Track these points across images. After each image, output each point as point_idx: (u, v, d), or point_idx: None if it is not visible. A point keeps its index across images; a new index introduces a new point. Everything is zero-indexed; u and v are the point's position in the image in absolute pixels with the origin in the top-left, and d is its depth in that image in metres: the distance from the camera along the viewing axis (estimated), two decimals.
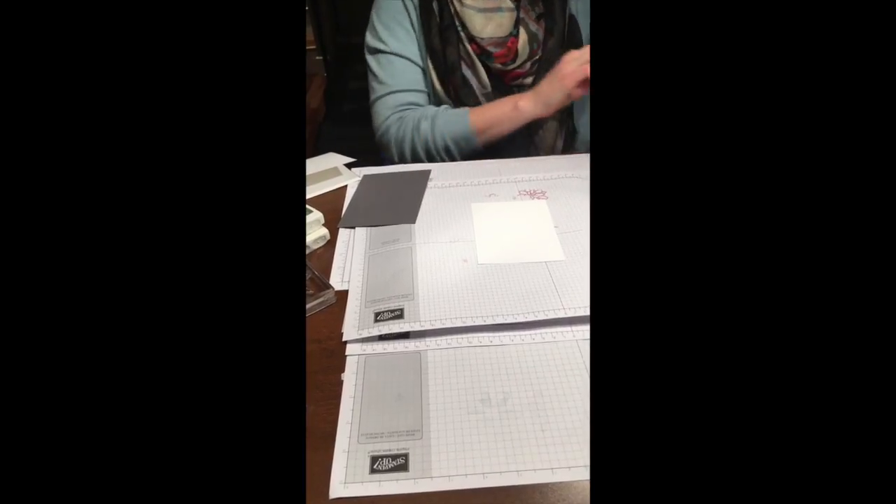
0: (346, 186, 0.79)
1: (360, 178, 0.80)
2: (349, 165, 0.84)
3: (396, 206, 0.72)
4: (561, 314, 0.53)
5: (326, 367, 0.51)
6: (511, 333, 0.53)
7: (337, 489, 0.41)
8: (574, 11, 0.88)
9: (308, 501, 0.40)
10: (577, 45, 0.89)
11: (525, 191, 0.74)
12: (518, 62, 0.87)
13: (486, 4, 0.84)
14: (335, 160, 0.86)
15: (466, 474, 0.41)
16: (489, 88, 0.89)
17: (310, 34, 1.44)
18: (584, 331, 0.52)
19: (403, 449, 0.43)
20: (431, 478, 0.41)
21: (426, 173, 0.80)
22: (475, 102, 0.88)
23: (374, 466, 0.42)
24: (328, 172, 0.82)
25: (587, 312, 0.53)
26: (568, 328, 0.53)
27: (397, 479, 0.41)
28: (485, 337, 0.52)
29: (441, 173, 0.80)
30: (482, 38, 0.85)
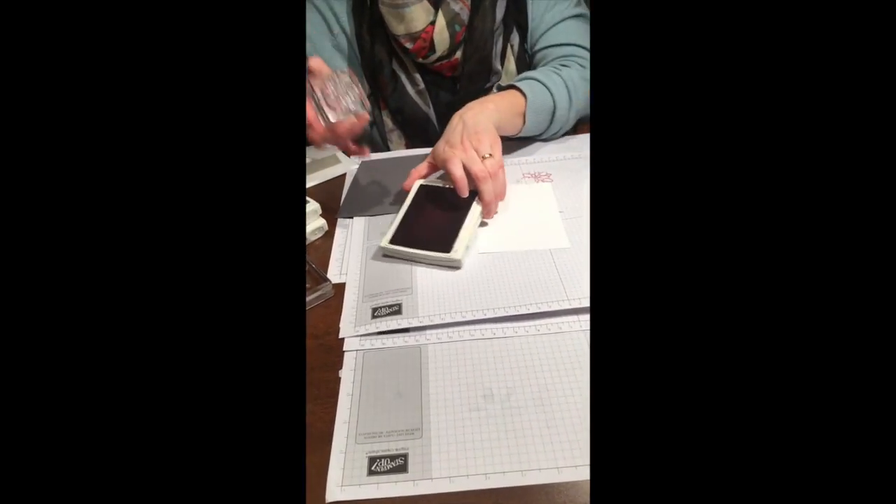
0: (344, 175, 0.77)
1: (358, 165, 0.78)
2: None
3: (396, 194, 0.70)
4: (565, 305, 0.51)
5: (324, 363, 0.49)
6: (515, 325, 0.50)
7: (334, 492, 0.39)
8: None
9: None
10: (525, 15, 0.80)
11: (529, 173, 0.72)
12: (439, 52, 0.78)
13: (395, 1, 0.75)
14: (333, 147, 0.83)
15: (468, 475, 0.39)
16: (422, 85, 0.82)
17: None
18: None
19: (402, 449, 0.41)
20: (431, 479, 0.39)
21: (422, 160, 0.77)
22: (409, 102, 0.82)
23: (372, 468, 0.40)
24: (327, 160, 0.80)
25: None
26: (574, 318, 0.50)
27: (396, 481, 0.39)
28: (487, 329, 0.50)
29: None
30: (398, 36, 0.77)
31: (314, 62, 0.59)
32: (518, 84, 0.72)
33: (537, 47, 0.84)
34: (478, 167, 0.60)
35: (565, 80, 0.74)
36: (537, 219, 0.63)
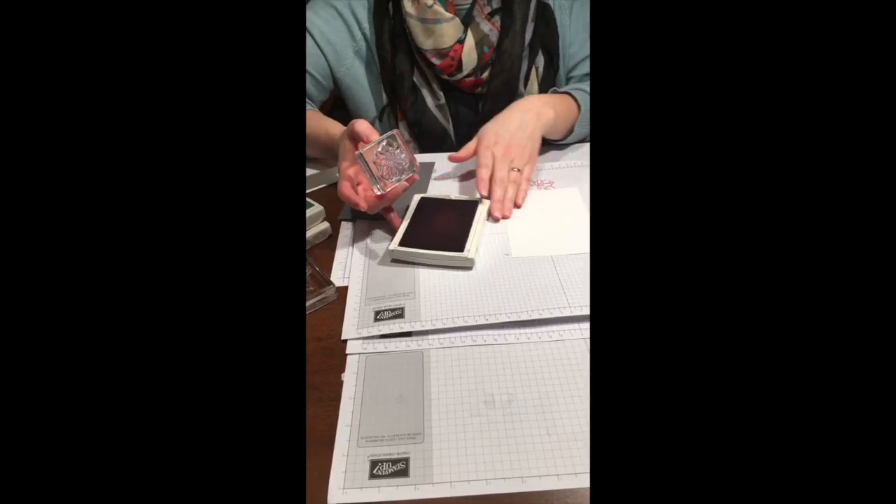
0: None
1: None
2: None
3: (399, 199, 0.70)
4: (567, 312, 0.51)
5: (326, 366, 0.49)
6: (516, 332, 0.51)
7: (335, 495, 0.39)
8: (551, 1, 0.80)
9: None
10: (553, 39, 0.81)
11: (532, 180, 0.72)
12: (465, 71, 0.78)
13: (425, 15, 0.75)
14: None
15: (469, 480, 0.40)
16: (442, 100, 0.82)
17: None
18: None
19: (404, 453, 0.42)
20: (433, 483, 0.40)
21: (429, 166, 0.78)
22: (428, 115, 0.82)
23: (374, 471, 0.41)
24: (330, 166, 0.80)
25: None
26: (576, 326, 0.51)
27: (397, 485, 0.40)
28: (489, 335, 0.51)
29: (445, 164, 0.78)
30: (425, 50, 0.77)
31: (361, 126, 0.57)
32: (576, 95, 0.76)
33: (578, 72, 0.84)
34: (500, 174, 0.66)
35: None
36: (565, 223, 0.64)
